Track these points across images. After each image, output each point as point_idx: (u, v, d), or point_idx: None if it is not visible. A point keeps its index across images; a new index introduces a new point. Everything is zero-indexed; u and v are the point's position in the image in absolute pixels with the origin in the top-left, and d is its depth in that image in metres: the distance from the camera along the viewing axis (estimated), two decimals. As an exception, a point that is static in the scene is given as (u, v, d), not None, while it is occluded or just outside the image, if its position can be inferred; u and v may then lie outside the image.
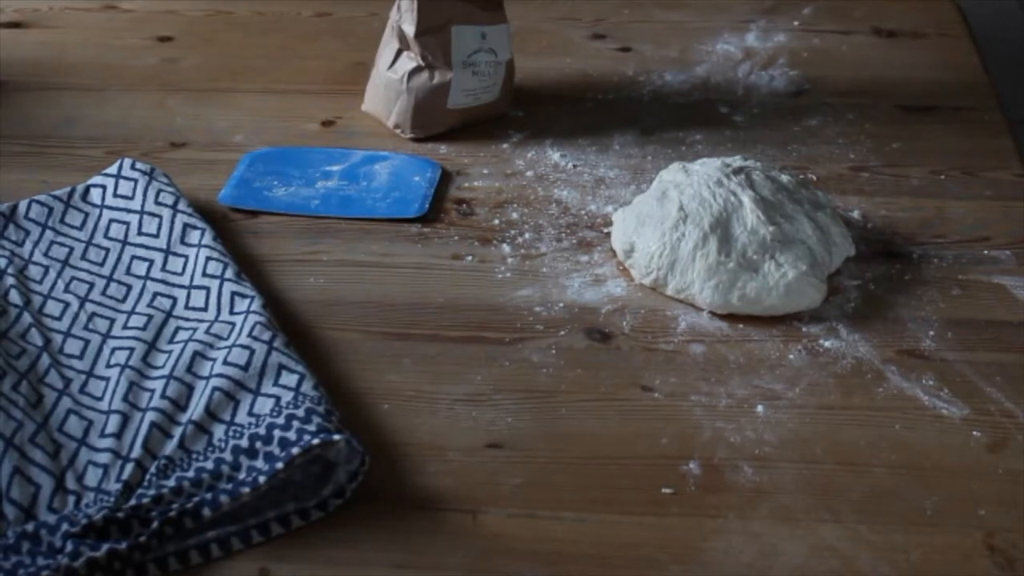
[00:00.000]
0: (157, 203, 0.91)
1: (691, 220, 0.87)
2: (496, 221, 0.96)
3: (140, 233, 0.90)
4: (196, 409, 0.75)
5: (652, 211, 0.90)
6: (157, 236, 0.89)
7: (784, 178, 0.91)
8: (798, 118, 1.09)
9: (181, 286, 0.86)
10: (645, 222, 0.89)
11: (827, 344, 0.83)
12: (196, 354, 0.79)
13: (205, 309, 0.83)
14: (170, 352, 0.80)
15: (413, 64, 1.04)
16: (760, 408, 0.79)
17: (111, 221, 0.91)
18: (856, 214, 0.96)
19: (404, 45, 1.04)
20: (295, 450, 0.70)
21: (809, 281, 0.85)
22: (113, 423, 0.75)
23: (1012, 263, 0.91)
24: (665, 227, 0.88)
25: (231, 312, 0.82)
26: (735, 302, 0.85)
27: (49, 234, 0.90)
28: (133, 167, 0.94)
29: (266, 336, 0.79)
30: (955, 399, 0.79)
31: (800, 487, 0.73)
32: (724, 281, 0.85)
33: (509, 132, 1.07)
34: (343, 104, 1.10)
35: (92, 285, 0.86)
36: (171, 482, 0.71)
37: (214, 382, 0.76)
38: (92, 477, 0.72)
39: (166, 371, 0.78)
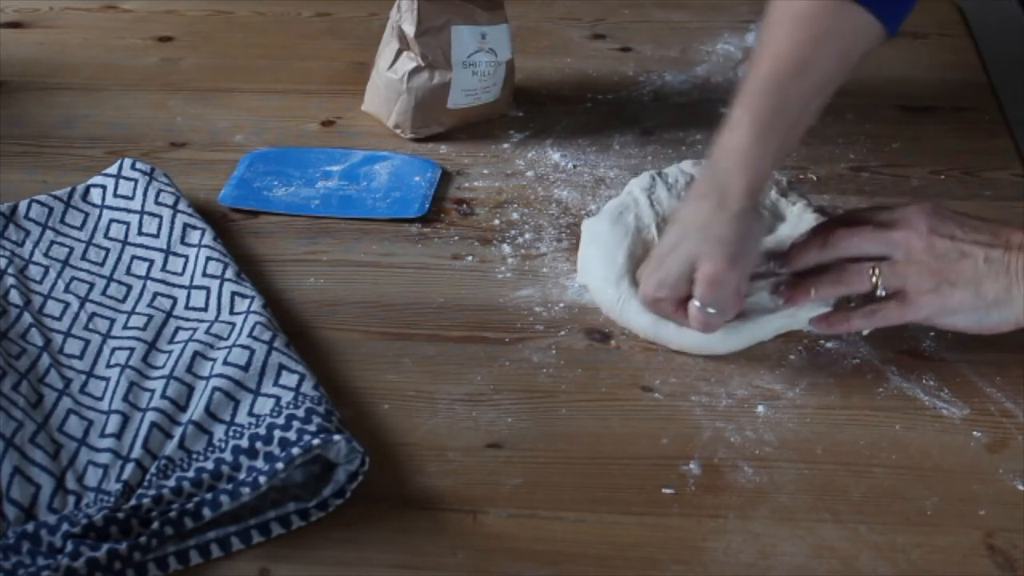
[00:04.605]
0: (157, 203, 0.91)
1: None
2: (496, 221, 0.96)
3: (140, 233, 0.90)
4: (196, 409, 0.75)
5: (606, 246, 0.86)
6: (157, 236, 0.89)
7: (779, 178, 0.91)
8: (798, 118, 1.09)
9: (181, 286, 0.86)
10: (594, 263, 0.86)
11: (827, 344, 0.83)
12: (196, 354, 0.79)
13: (205, 309, 0.83)
14: (170, 352, 0.80)
15: (413, 64, 1.04)
16: (760, 408, 0.78)
17: (111, 221, 0.91)
18: (856, 214, 0.96)
19: (404, 45, 1.04)
20: (295, 450, 0.70)
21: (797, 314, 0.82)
22: (113, 423, 0.75)
23: (1012, 263, 0.91)
24: (615, 273, 0.84)
25: (231, 312, 0.82)
26: (722, 351, 0.82)
27: (49, 234, 0.90)
28: (133, 167, 0.94)
29: (266, 336, 0.79)
30: (955, 399, 0.79)
31: (800, 487, 0.73)
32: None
33: (509, 132, 1.07)
34: (343, 104, 1.10)
35: (92, 285, 0.86)
36: (171, 482, 0.71)
37: (214, 382, 0.76)
38: (92, 477, 0.72)
39: (166, 371, 0.78)
